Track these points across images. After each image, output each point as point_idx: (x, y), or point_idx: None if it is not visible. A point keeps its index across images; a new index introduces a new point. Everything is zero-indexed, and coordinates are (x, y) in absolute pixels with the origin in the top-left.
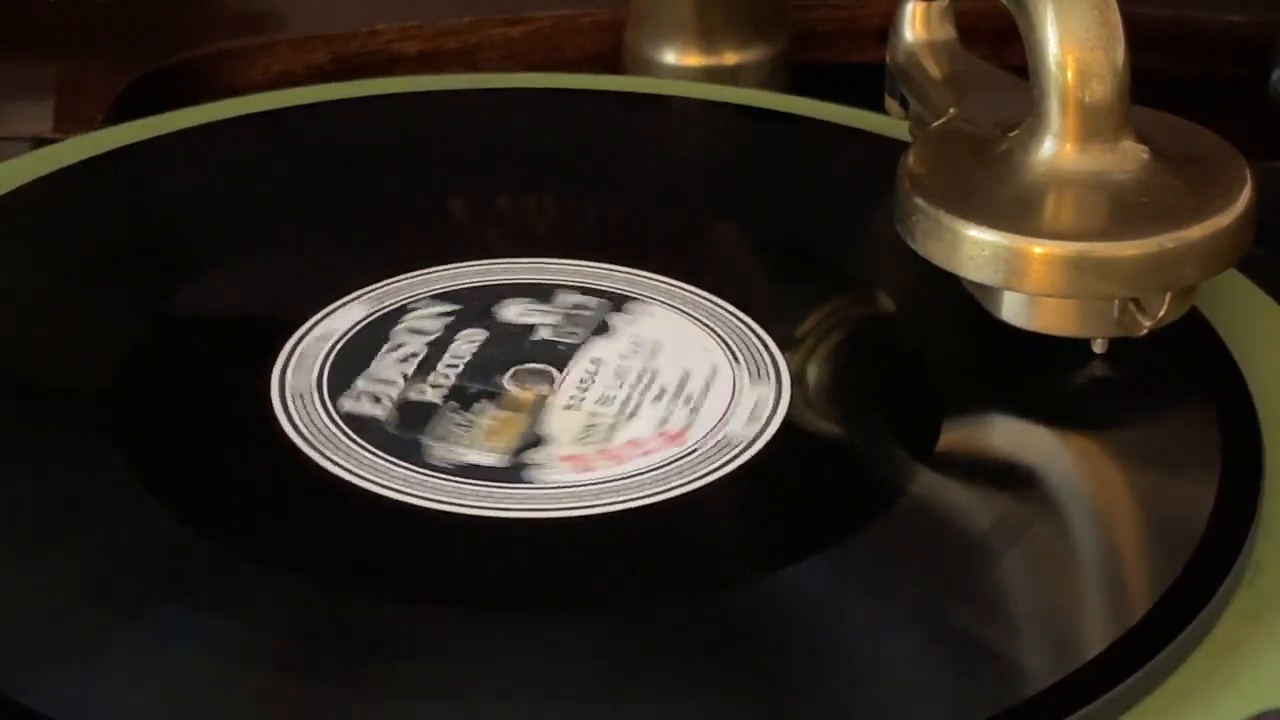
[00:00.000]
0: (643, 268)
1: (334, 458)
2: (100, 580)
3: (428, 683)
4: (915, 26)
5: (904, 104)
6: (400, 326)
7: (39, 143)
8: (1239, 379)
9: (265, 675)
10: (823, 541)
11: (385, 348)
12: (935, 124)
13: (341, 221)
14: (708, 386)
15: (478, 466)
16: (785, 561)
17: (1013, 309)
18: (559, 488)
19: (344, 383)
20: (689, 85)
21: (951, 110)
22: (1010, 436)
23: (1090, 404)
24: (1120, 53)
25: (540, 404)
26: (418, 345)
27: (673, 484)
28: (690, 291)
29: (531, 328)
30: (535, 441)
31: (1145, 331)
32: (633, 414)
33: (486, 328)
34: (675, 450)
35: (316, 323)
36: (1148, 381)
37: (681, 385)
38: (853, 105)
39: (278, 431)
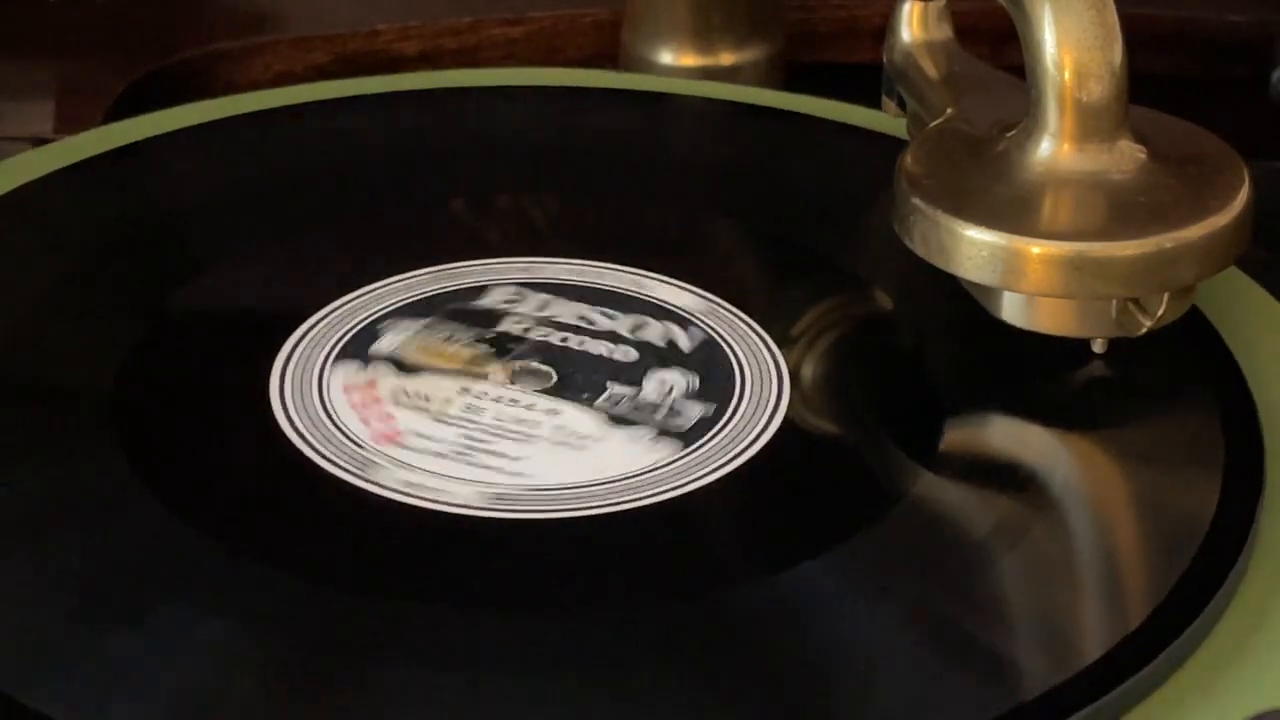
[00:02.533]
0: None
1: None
2: (100, 580)
3: (426, 683)
4: (912, 26)
5: (901, 104)
6: (637, 315)
7: (39, 143)
8: (1240, 379)
9: (265, 675)
10: (822, 543)
11: (600, 307)
12: (933, 124)
13: (342, 221)
14: (494, 467)
15: (374, 339)
16: (783, 564)
17: (1012, 309)
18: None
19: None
20: (727, 87)
21: (949, 110)
22: (1011, 437)
23: (1091, 404)
24: (1117, 53)
25: (473, 376)
26: (602, 326)
27: (319, 445)
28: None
29: (635, 387)
30: (411, 370)
31: (1144, 331)
32: (443, 422)
33: (639, 359)
34: (372, 443)
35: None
36: (1149, 382)
37: (499, 455)
38: (852, 105)
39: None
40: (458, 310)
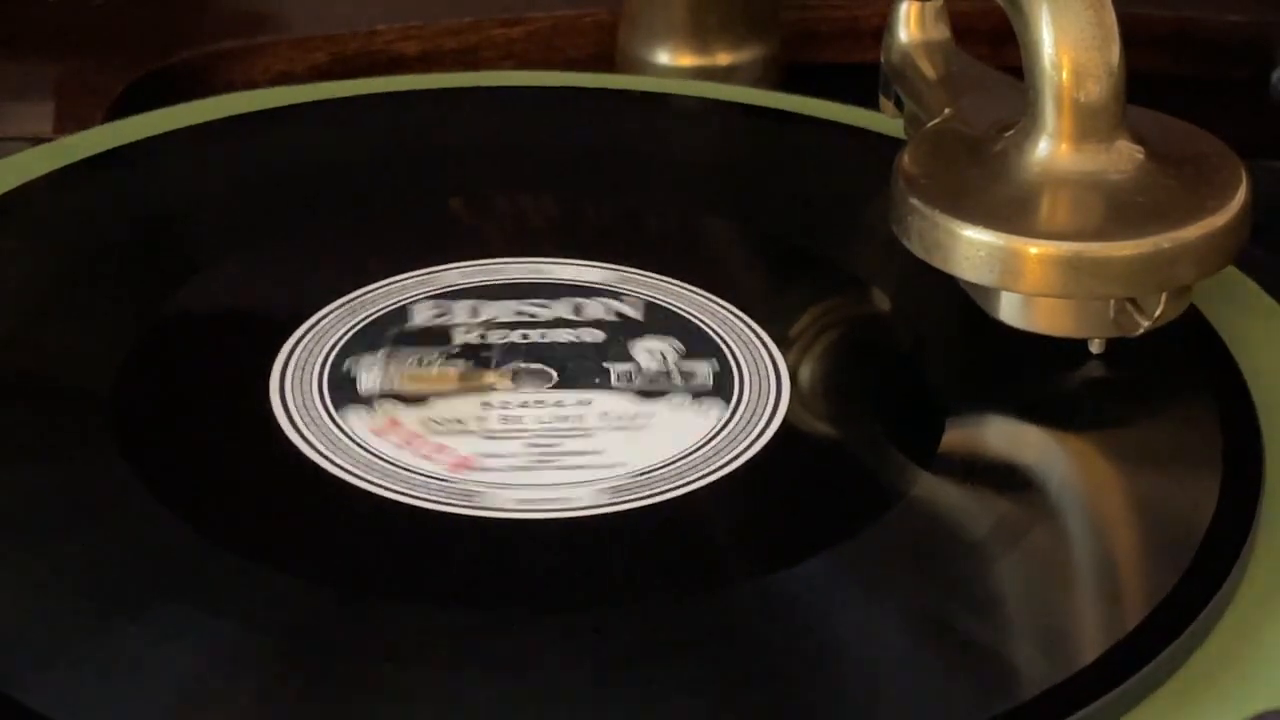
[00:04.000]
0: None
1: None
2: (100, 580)
3: (425, 683)
4: (910, 26)
5: (898, 104)
6: (575, 299)
7: (39, 143)
8: (1239, 379)
9: (265, 675)
10: (821, 543)
11: (532, 300)
12: (930, 124)
13: (342, 221)
14: (578, 466)
15: (352, 384)
16: (782, 563)
17: (1009, 309)
18: (352, 438)
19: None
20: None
21: (947, 110)
22: (1010, 438)
23: (1091, 405)
24: (1115, 53)
25: (480, 389)
26: (550, 314)
27: (384, 484)
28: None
29: (628, 359)
30: (417, 400)
31: (1142, 331)
32: (496, 438)
33: (608, 338)
34: (444, 473)
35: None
36: (1148, 382)
37: (573, 453)
38: (853, 105)
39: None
40: (402, 335)
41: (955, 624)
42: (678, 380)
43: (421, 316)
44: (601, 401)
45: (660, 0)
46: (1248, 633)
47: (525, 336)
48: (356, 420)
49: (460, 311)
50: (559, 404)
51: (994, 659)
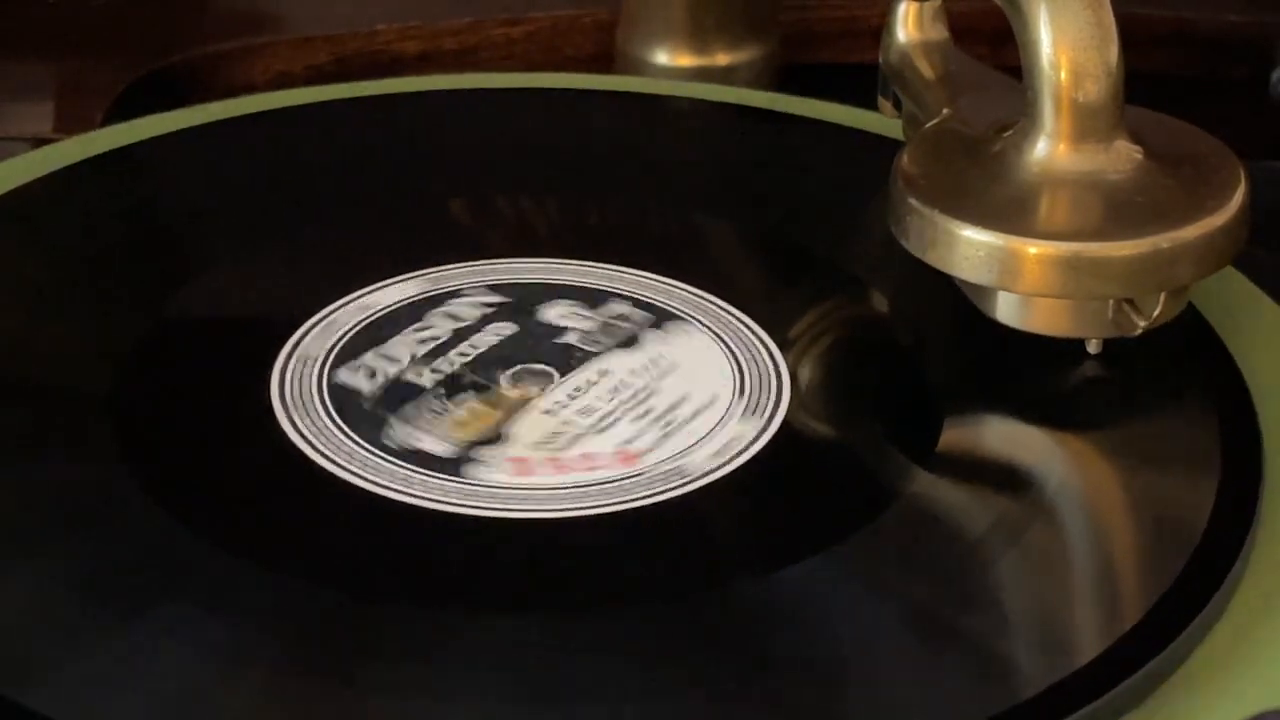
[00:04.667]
0: (700, 285)
1: (335, 458)
2: (100, 580)
3: (425, 683)
4: (908, 27)
5: (897, 104)
6: (439, 310)
7: (39, 143)
8: (1238, 379)
9: (265, 675)
10: (820, 542)
11: (412, 327)
12: (929, 124)
13: (341, 221)
14: (694, 415)
15: (424, 454)
16: (782, 564)
17: (1007, 309)
18: (495, 486)
19: (354, 354)
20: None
21: (945, 111)
22: (1009, 437)
23: (1090, 404)
24: (1114, 53)
25: (522, 404)
26: (444, 330)
27: (600, 502)
28: (732, 315)
29: (563, 330)
30: (494, 439)
31: (1140, 331)
32: (605, 428)
33: (520, 324)
34: (623, 470)
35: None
36: (1148, 382)
37: (671, 409)
38: (853, 105)
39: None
40: (385, 398)
41: (955, 623)
42: (625, 325)
43: (358, 379)
44: (614, 364)
45: (658, 0)
46: (1247, 633)
47: (475, 348)
48: (485, 472)
49: (383, 365)
50: (591, 383)
51: (993, 658)
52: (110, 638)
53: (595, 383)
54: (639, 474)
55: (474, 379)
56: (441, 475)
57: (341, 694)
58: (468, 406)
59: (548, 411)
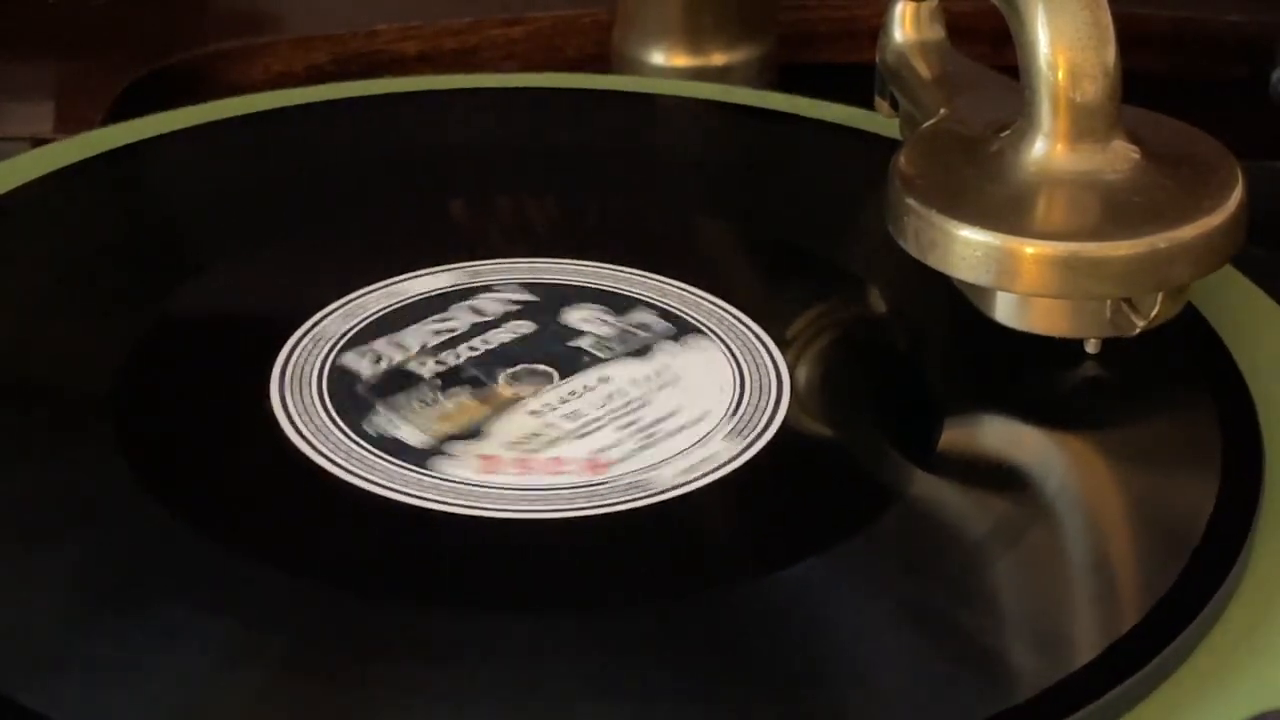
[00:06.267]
0: (728, 299)
1: (335, 458)
2: (100, 580)
3: (426, 683)
4: (905, 27)
5: (894, 104)
6: (464, 303)
7: (39, 143)
8: (1238, 379)
9: (265, 675)
10: (820, 543)
11: (433, 317)
12: (926, 124)
13: (341, 222)
14: (679, 430)
15: (399, 443)
16: (781, 564)
17: (1005, 309)
18: (456, 481)
19: (366, 339)
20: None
21: (942, 110)
22: (1009, 437)
23: (1090, 404)
24: (1111, 53)
25: (512, 402)
26: (464, 323)
27: (556, 507)
28: (750, 331)
29: (579, 334)
30: (472, 434)
31: (1138, 331)
32: (586, 434)
33: (540, 324)
34: (589, 477)
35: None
36: (1148, 382)
37: (658, 421)
38: (854, 106)
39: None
40: (372, 387)
41: (954, 624)
42: (644, 334)
43: (364, 366)
44: (616, 372)
45: (655, 1)
46: (1247, 633)
47: (486, 344)
48: (452, 467)
49: (390, 352)
50: (588, 388)
51: (993, 659)
52: (110, 638)
53: (592, 389)
54: (603, 483)
55: (474, 374)
56: (408, 465)
57: (342, 694)
58: (458, 400)
59: (534, 412)
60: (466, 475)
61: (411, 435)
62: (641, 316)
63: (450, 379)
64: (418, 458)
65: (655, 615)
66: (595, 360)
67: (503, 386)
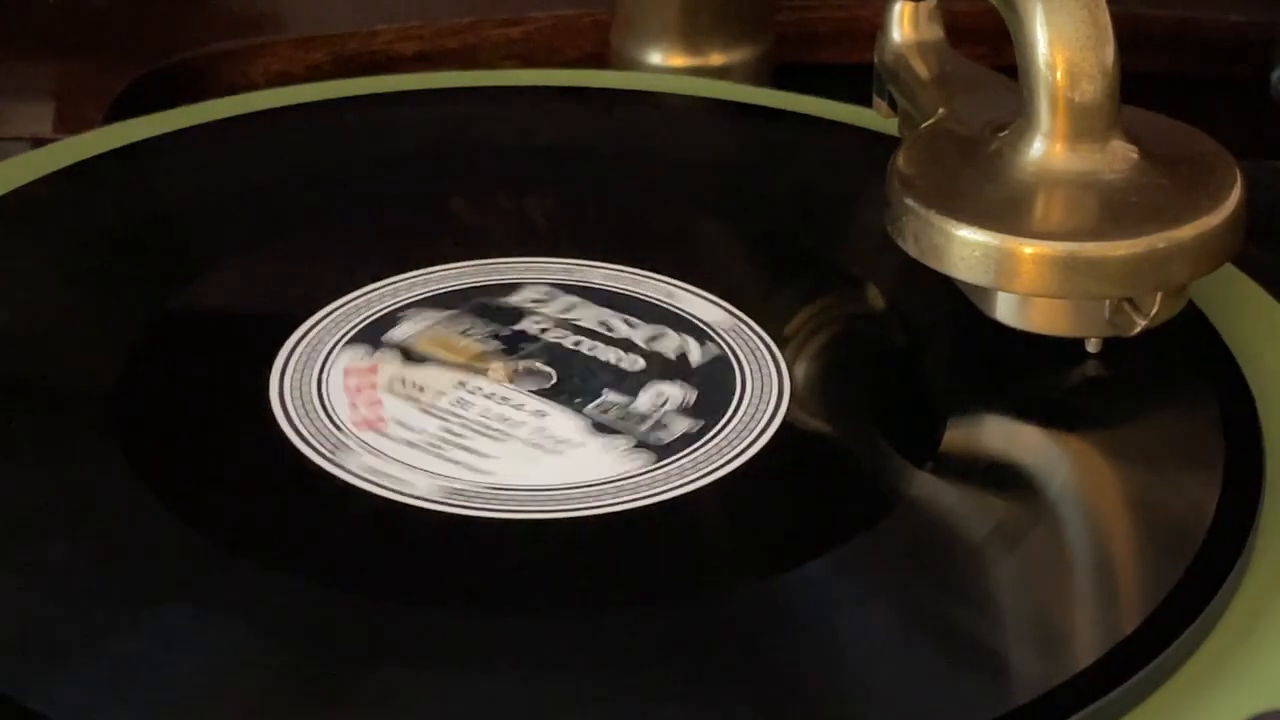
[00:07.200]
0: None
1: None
2: (100, 580)
3: (426, 683)
4: (903, 27)
5: (892, 104)
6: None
7: (39, 143)
8: (1239, 379)
9: (265, 675)
10: (821, 545)
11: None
12: (925, 124)
13: (342, 221)
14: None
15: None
16: (782, 565)
17: (1005, 309)
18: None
19: (364, 340)
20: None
21: (940, 110)
22: (1009, 438)
23: (1091, 405)
24: (1110, 53)
25: (479, 372)
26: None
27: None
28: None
29: (620, 357)
30: (420, 361)
31: (1137, 331)
32: (430, 412)
33: (595, 339)
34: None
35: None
36: (1148, 382)
37: (559, 442)
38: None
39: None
40: (483, 305)
41: (955, 625)
42: (645, 427)
43: (520, 296)
44: (554, 419)
45: (653, 1)
46: (1247, 633)
47: (577, 343)
48: (348, 355)
49: (556, 304)
50: (519, 406)
51: (994, 660)
52: (110, 638)
53: (511, 404)
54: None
55: (522, 345)
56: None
57: (342, 694)
58: (472, 342)
59: (461, 382)
60: (336, 372)
61: (402, 333)
62: (679, 422)
63: (510, 339)
64: (367, 339)
65: (655, 616)
66: (576, 408)
67: (500, 362)
